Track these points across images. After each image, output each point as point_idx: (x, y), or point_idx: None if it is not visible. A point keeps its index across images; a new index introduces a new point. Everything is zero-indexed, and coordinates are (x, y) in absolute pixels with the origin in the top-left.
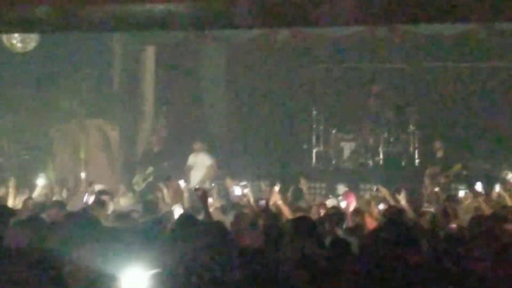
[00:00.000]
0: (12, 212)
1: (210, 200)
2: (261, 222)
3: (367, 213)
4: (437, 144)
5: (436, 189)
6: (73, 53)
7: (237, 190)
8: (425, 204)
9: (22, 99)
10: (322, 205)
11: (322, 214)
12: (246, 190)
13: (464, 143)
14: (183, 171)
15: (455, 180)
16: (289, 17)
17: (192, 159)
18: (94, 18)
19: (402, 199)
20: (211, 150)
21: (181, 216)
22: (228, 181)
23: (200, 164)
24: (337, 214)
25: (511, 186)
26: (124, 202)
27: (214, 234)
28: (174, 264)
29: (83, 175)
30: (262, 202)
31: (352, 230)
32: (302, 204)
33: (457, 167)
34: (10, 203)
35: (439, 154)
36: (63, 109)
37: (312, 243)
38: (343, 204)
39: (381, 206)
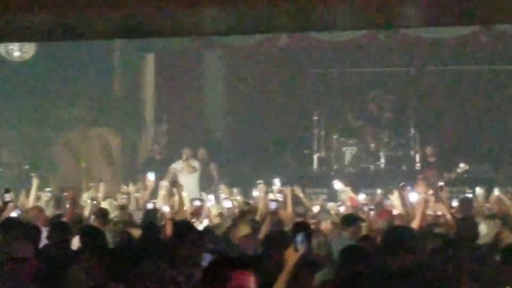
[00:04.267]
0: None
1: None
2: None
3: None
4: (429, 150)
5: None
6: (73, 61)
7: (227, 203)
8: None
9: (22, 109)
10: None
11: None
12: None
13: (465, 146)
14: (168, 176)
15: (456, 183)
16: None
17: (179, 164)
18: (93, 26)
19: (395, 199)
20: (212, 156)
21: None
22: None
23: (190, 170)
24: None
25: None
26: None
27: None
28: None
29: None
30: (274, 205)
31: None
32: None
33: (463, 168)
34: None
35: (431, 159)
36: (64, 118)
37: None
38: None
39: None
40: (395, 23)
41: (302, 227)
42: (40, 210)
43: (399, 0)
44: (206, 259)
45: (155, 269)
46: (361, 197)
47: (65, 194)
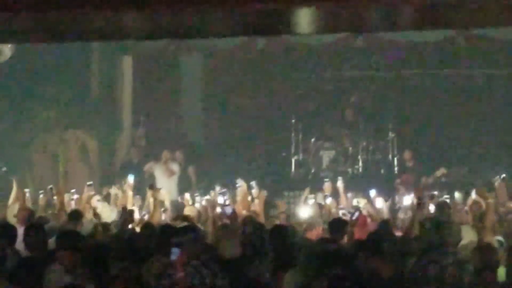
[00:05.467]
0: None
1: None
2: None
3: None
4: (407, 155)
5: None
6: (50, 64)
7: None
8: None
9: None
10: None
11: None
12: (226, 198)
13: (443, 150)
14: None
15: (435, 187)
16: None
17: (159, 167)
18: (73, 28)
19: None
20: (189, 159)
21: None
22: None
23: (169, 173)
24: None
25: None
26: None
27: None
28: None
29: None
30: (229, 210)
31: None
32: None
33: (441, 172)
34: None
35: (409, 163)
36: (41, 121)
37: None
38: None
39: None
40: (364, 28)
41: (278, 230)
42: (30, 211)
43: (368, 5)
44: (174, 253)
45: (126, 270)
46: (328, 200)
47: (54, 197)
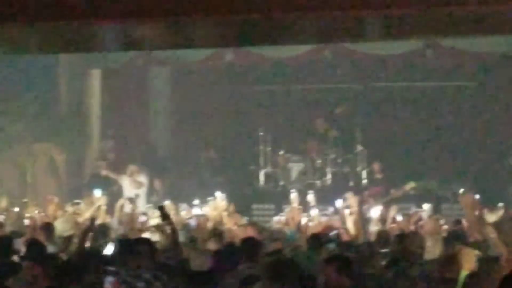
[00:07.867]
0: None
1: None
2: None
3: None
4: (376, 167)
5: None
6: (18, 76)
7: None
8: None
9: None
10: None
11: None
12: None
13: (412, 163)
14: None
15: (404, 199)
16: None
17: (124, 180)
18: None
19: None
20: (157, 172)
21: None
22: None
23: (136, 185)
24: None
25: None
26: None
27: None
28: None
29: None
30: (193, 222)
31: None
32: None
33: (410, 185)
34: None
35: (378, 176)
36: (9, 134)
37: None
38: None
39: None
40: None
41: (249, 242)
42: None
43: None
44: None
45: (97, 281)
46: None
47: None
